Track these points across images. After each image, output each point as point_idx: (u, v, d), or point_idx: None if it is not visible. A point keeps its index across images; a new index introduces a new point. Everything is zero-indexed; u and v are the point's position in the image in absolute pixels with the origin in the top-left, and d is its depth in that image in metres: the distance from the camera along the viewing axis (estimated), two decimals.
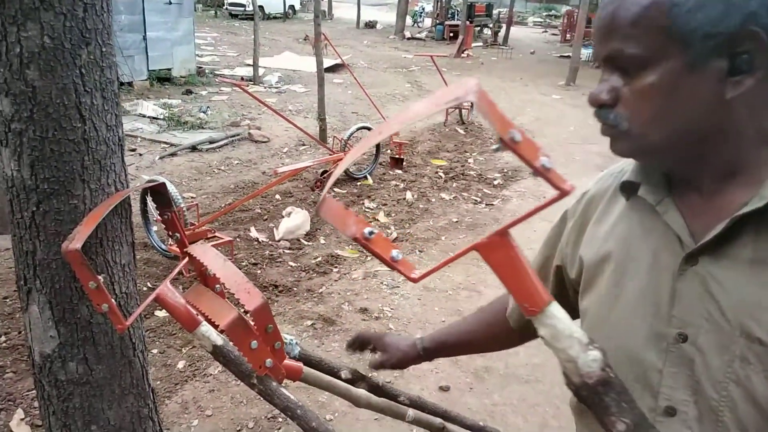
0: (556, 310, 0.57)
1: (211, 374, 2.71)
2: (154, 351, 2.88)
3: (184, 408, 2.50)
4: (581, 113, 9.13)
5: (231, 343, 1.07)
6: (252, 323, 0.99)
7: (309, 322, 3.24)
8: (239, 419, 2.46)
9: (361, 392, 1.30)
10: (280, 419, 2.46)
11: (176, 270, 1.11)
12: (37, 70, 0.95)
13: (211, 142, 6.31)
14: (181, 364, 2.79)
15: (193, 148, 6.19)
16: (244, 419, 2.46)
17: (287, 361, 1.18)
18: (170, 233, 1.14)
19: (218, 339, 1.09)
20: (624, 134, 0.68)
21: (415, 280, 0.57)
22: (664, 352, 0.70)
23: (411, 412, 1.39)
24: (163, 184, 1.12)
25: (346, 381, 1.37)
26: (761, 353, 0.63)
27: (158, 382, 2.65)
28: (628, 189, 0.77)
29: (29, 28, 0.94)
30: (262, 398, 1.20)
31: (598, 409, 0.58)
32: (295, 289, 3.62)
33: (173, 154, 6.01)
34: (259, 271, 3.76)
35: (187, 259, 1.13)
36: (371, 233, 0.53)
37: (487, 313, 1.12)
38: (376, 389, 1.47)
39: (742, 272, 0.65)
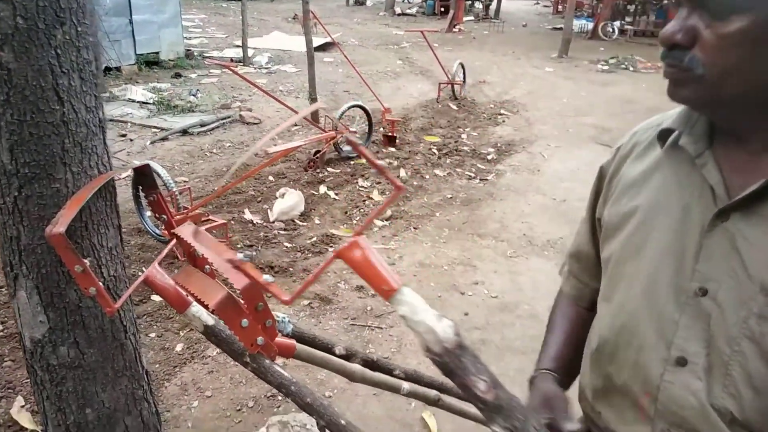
0: (409, 291, 0.63)
1: (209, 356, 2.73)
2: (152, 335, 2.89)
3: (183, 390, 2.52)
4: (574, 85, 9.08)
5: (222, 323, 1.07)
6: (242, 302, 0.99)
7: (306, 302, 3.25)
8: (239, 399, 2.48)
9: (356, 367, 1.30)
10: (280, 397, 2.48)
11: (164, 252, 1.10)
12: (11, 51, 0.93)
13: (202, 126, 6.25)
14: (179, 347, 2.80)
15: (184, 132, 6.14)
16: (243, 398, 2.48)
17: (280, 339, 1.19)
18: (157, 215, 1.13)
19: (209, 319, 1.09)
20: (696, 80, 0.65)
21: (287, 302, 0.67)
22: (683, 304, 0.71)
23: (406, 385, 1.40)
24: (147, 165, 1.11)
25: (340, 357, 1.38)
26: None
27: (157, 365, 2.67)
28: (665, 138, 0.76)
29: (1, 8, 0.92)
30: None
31: (459, 372, 0.62)
32: (291, 269, 3.63)
33: (164, 139, 5.96)
34: (254, 253, 3.76)
35: (174, 240, 1.13)
36: (247, 256, 0.67)
37: (566, 314, 1.03)
38: (372, 364, 1.48)
39: None
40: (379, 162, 0.60)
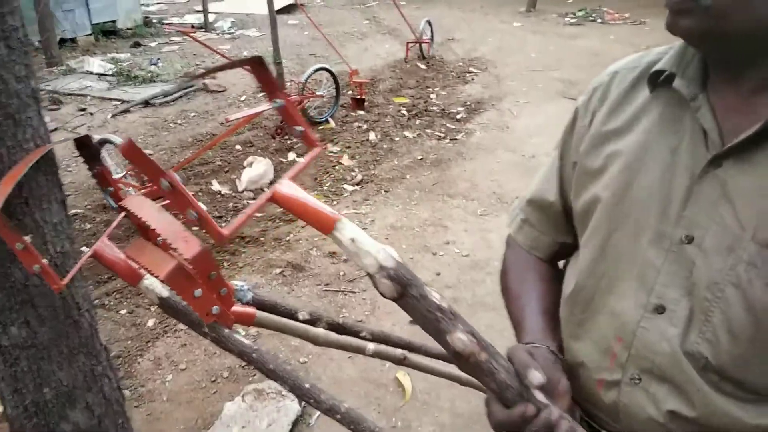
0: (348, 222, 0.61)
1: (182, 329, 2.71)
2: (123, 312, 2.86)
3: (157, 364, 2.51)
4: (542, 39, 9.02)
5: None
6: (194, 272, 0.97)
7: (278, 270, 3.24)
8: (213, 370, 2.48)
9: (319, 331, 1.30)
10: None
11: (113, 225, 1.07)
12: None
13: (164, 96, 6.08)
14: (151, 322, 2.78)
15: (147, 103, 5.97)
16: (218, 369, 2.49)
17: (238, 308, 1.18)
18: (102, 188, 1.09)
19: (164, 291, 1.07)
20: (702, 10, 0.62)
21: (223, 239, 0.66)
22: (666, 251, 0.70)
23: (371, 346, 1.41)
24: (88, 136, 1.06)
25: (304, 322, 1.38)
26: None
27: (129, 342, 2.65)
28: (655, 80, 0.74)
29: None
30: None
31: (410, 286, 0.60)
32: (262, 238, 3.60)
33: (126, 111, 5.79)
34: (224, 224, 3.71)
35: (123, 213, 1.10)
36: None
37: (526, 272, 0.95)
38: (338, 328, 1.49)
39: (766, 179, 0.64)
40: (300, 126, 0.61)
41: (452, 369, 1.66)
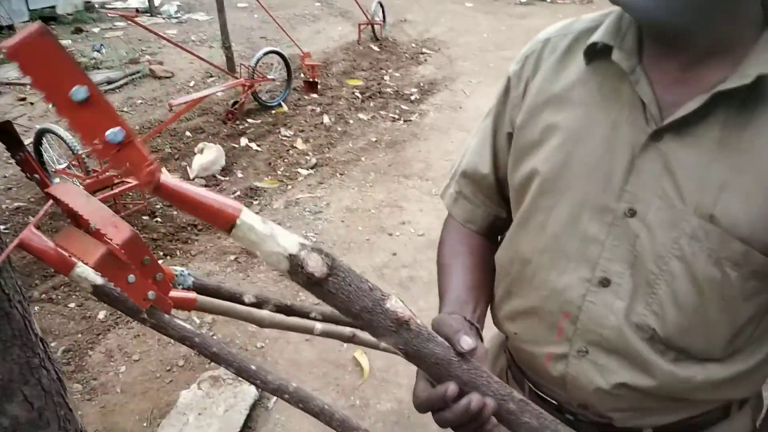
0: (250, 214, 0.53)
1: (134, 321, 2.66)
2: (71, 305, 2.78)
3: (109, 356, 2.46)
4: (494, 20, 9.09)
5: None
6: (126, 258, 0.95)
7: (232, 257, 3.20)
8: (168, 359, 2.45)
9: (264, 313, 1.30)
10: None
11: (40, 214, 1.04)
12: None
13: (109, 83, 5.87)
14: (101, 315, 2.72)
15: None
16: (173, 358, 2.45)
17: (178, 293, 1.16)
18: (28, 175, 1.06)
19: (97, 278, 1.05)
20: None
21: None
22: (609, 225, 0.70)
23: (319, 326, 1.41)
24: (8, 122, 1.02)
25: (251, 305, 1.37)
26: (711, 231, 0.64)
27: (79, 335, 2.59)
28: (591, 52, 0.72)
29: None
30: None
31: (344, 268, 0.55)
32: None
33: None
34: (175, 212, 3.64)
35: (51, 201, 1.06)
36: None
37: (457, 245, 0.94)
38: (286, 309, 1.49)
39: (707, 152, 0.64)
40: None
41: None
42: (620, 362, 0.72)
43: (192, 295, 1.17)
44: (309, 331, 1.39)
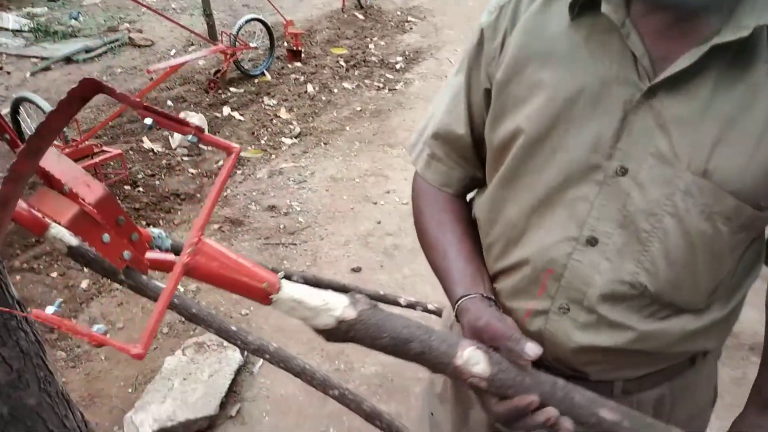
0: (289, 284, 0.57)
1: (117, 288, 2.66)
2: (53, 274, 2.77)
3: (92, 324, 2.46)
4: None
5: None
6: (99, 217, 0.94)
7: (216, 226, 3.19)
8: None
9: None
10: None
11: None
12: None
13: (87, 51, 5.75)
14: (84, 284, 2.71)
15: (69, 60, 5.63)
16: None
17: (156, 254, 1.16)
18: None
19: (72, 239, 1.04)
20: None
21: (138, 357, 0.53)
22: (599, 184, 0.68)
23: None
24: None
25: None
26: (705, 187, 0.63)
27: (63, 304, 2.58)
28: (575, 5, 0.68)
29: None
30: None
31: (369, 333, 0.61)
32: (198, 195, 3.52)
33: (46, 69, 5.46)
34: (157, 182, 3.61)
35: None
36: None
37: (441, 214, 0.88)
38: None
39: (700, 107, 0.62)
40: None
41: (389, 309, 1.71)
42: (600, 320, 0.71)
43: (170, 257, 1.16)
44: None
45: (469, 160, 0.87)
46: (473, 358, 0.65)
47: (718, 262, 0.68)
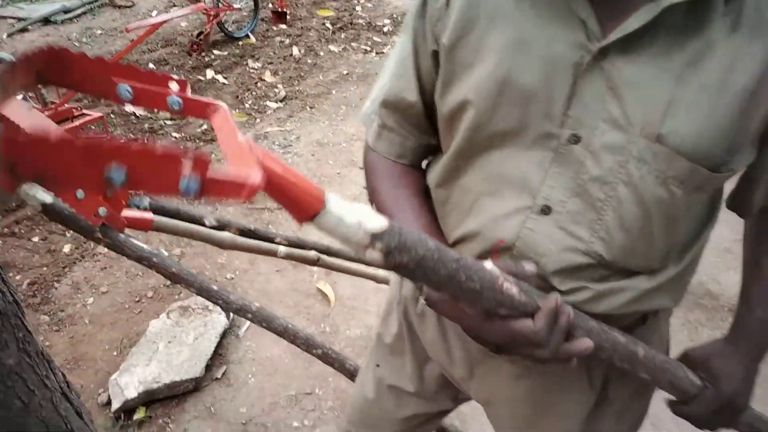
0: (334, 199, 0.52)
1: (100, 253, 2.63)
2: (35, 239, 2.73)
3: (76, 289, 2.45)
4: None
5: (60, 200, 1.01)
6: None
7: None
8: (137, 291, 2.45)
9: (225, 235, 1.29)
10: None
11: None
12: None
13: (65, 12, 5.57)
14: (67, 248, 2.68)
15: (47, 21, 5.47)
16: (141, 290, 2.45)
17: (134, 212, 1.14)
18: None
19: (46, 196, 1.02)
20: None
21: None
22: (552, 151, 0.66)
23: (283, 249, 1.41)
24: None
25: (212, 228, 1.36)
26: (659, 152, 0.61)
27: (44, 268, 2.56)
28: None
29: None
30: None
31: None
32: None
33: (24, 30, 5.30)
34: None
35: None
36: None
37: (396, 189, 0.83)
38: (249, 233, 1.48)
39: (652, 68, 0.60)
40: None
41: (369, 270, 1.70)
42: (552, 291, 0.70)
43: (148, 215, 1.15)
44: (272, 253, 1.39)
45: (423, 128, 0.82)
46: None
47: (674, 224, 0.67)
